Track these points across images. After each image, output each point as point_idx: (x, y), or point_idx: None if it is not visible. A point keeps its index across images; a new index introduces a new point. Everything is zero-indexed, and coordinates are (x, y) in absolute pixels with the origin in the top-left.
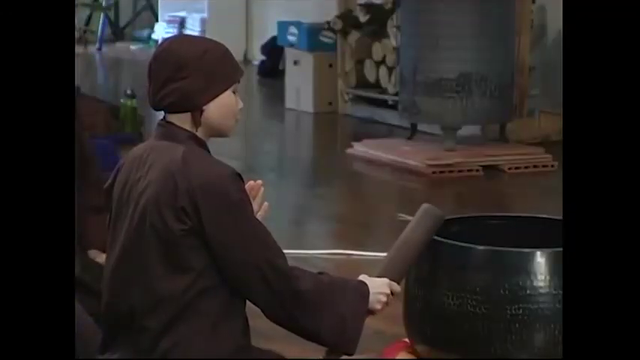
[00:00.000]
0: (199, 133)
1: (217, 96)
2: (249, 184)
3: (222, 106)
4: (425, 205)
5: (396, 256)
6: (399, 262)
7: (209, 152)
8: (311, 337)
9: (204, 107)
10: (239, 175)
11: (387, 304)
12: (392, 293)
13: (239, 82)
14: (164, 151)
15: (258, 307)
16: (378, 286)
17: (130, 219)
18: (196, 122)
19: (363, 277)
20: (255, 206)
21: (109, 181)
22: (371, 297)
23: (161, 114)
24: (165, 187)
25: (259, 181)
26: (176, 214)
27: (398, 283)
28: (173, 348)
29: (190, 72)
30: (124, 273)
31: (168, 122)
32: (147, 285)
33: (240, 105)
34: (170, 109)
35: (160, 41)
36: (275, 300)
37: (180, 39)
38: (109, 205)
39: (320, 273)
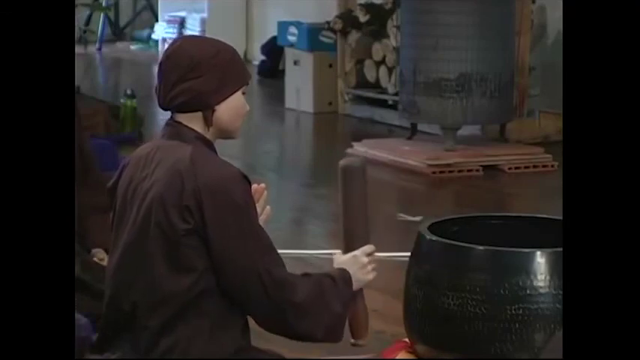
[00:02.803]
0: (209, 134)
1: (229, 96)
2: (253, 188)
3: (231, 108)
4: (342, 163)
5: (350, 223)
6: (356, 228)
7: (216, 153)
8: (305, 340)
9: (216, 107)
10: (246, 177)
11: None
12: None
13: (248, 84)
14: (171, 151)
15: (251, 314)
16: (356, 262)
17: (134, 217)
18: (208, 122)
19: (336, 257)
20: (257, 209)
21: (113, 179)
22: (356, 277)
23: (162, 114)
24: (171, 186)
25: (262, 185)
26: (181, 213)
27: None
28: (173, 347)
29: (203, 72)
30: (127, 271)
31: (176, 122)
32: (150, 283)
33: (247, 107)
34: (181, 109)
35: (160, 41)
36: (269, 307)
37: (191, 39)
38: (113, 203)
39: (305, 274)
